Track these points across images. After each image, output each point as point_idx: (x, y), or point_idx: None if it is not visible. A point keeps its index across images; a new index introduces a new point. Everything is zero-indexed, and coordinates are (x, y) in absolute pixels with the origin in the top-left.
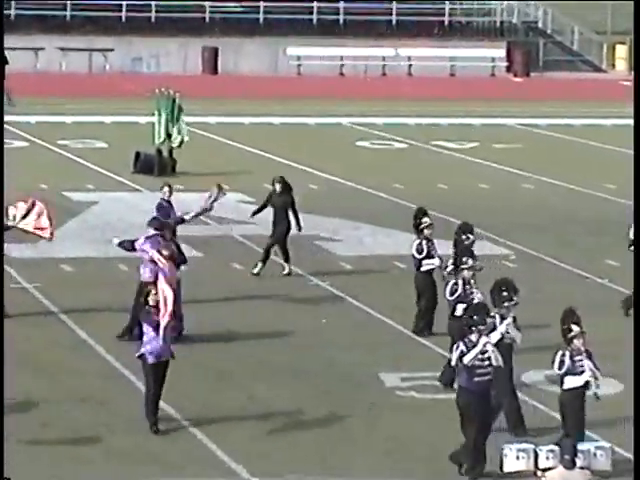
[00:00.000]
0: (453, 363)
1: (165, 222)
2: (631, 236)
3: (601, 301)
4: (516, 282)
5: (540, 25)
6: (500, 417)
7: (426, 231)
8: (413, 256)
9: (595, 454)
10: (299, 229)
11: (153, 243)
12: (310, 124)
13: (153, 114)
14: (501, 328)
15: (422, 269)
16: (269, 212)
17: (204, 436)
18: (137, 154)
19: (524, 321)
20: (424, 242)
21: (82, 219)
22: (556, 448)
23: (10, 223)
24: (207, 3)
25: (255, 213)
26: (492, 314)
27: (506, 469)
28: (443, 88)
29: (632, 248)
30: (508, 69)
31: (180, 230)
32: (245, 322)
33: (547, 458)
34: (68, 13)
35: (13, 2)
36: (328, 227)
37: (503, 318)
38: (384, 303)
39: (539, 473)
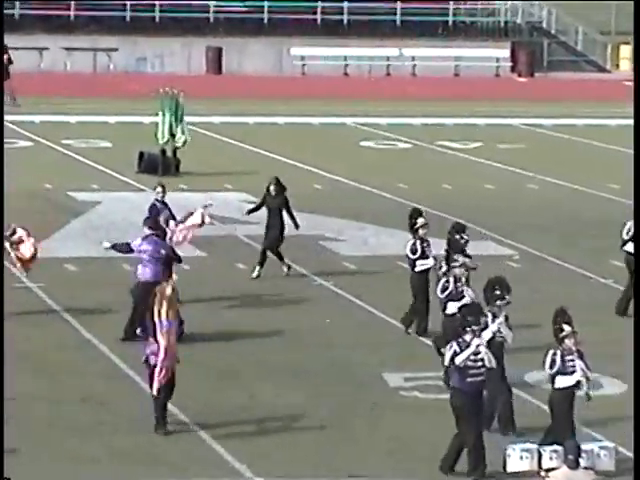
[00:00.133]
0: (446, 363)
1: (158, 222)
2: (624, 236)
3: (605, 301)
4: (520, 282)
5: (544, 25)
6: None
7: (421, 231)
8: (407, 256)
9: (599, 454)
10: (297, 227)
11: (150, 243)
12: (314, 124)
13: (157, 114)
14: (493, 327)
15: (416, 269)
16: None
17: (207, 436)
18: (141, 154)
19: (527, 321)
20: (418, 242)
21: (86, 219)
22: (560, 448)
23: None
24: (211, 3)
25: (250, 211)
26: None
27: (509, 469)
28: (447, 88)
29: (625, 247)
30: (512, 69)
31: None
32: (248, 322)
33: (551, 458)
34: (72, 13)
35: (17, 2)
36: (332, 227)
37: (495, 316)
38: (388, 303)
39: (543, 473)
